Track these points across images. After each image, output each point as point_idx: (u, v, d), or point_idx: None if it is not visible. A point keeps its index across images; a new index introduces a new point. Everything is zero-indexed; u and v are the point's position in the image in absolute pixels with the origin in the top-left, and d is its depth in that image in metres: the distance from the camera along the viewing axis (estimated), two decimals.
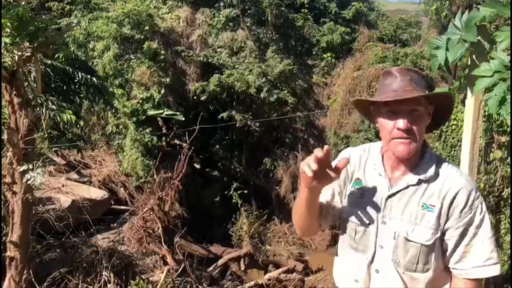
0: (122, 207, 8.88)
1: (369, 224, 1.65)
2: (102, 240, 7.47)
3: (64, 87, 6.07)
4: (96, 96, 6.40)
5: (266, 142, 12.17)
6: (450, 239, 1.59)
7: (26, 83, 4.48)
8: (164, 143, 10.61)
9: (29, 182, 4.26)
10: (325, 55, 13.67)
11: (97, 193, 8.50)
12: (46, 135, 4.72)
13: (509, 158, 4.50)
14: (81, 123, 7.89)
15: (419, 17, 17.09)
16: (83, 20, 10.92)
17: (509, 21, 2.64)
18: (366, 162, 1.72)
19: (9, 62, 4.09)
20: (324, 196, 1.73)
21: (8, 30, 3.89)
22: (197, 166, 11.14)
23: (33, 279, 5.11)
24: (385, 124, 1.57)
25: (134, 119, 10.04)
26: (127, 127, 10.20)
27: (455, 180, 1.59)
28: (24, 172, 4.29)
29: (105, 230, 7.90)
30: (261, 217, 10.42)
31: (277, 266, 9.56)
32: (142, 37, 10.85)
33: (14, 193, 4.46)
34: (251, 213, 10.35)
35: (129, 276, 6.71)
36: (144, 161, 9.68)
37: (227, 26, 12.77)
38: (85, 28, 10.60)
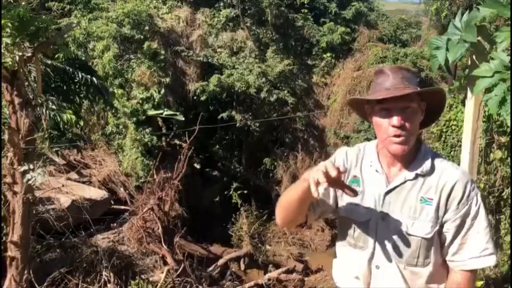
0: (122, 207, 8.86)
1: (368, 220, 1.67)
2: (102, 240, 7.47)
3: (64, 87, 6.06)
4: (96, 96, 6.39)
5: (266, 142, 12.19)
6: (448, 231, 1.62)
7: (26, 83, 4.48)
8: (164, 143, 10.62)
9: (29, 182, 4.26)
10: (325, 55, 13.68)
11: (97, 193, 8.49)
12: (46, 135, 4.72)
13: (509, 158, 4.50)
14: (81, 123, 7.87)
15: (419, 17, 17.11)
16: (83, 20, 10.93)
17: (509, 22, 2.65)
18: (362, 160, 1.74)
19: (10, 62, 4.09)
20: None
21: (8, 30, 3.89)
22: (197, 166, 11.14)
23: (33, 279, 5.11)
24: (379, 122, 1.61)
25: (134, 119, 10.04)
26: (127, 127, 10.20)
27: (451, 173, 1.63)
28: (25, 172, 4.29)
29: (105, 230, 7.89)
30: (261, 217, 10.43)
31: (277, 266, 9.56)
32: (142, 37, 10.86)
33: (15, 193, 4.46)
34: (251, 213, 10.36)
35: (129, 276, 6.71)
36: (144, 161, 9.69)
37: (227, 26, 12.78)
38: (85, 28, 10.61)
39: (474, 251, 1.60)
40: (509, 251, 4.56)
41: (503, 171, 4.57)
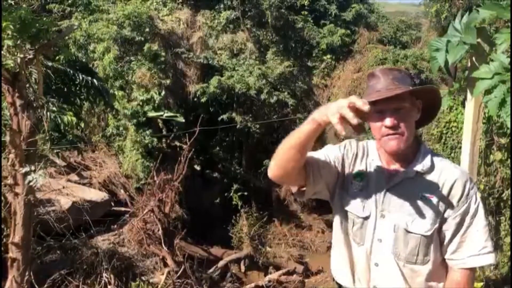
0: (122, 209, 8.87)
1: (368, 217, 1.69)
2: (102, 241, 7.47)
3: (65, 89, 6.08)
4: (96, 98, 6.42)
5: (266, 144, 12.18)
6: (448, 229, 1.63)
7: (27, 85, 4.49)
8: (164, 145, 10.62)
9: (31, 183, 4.27)
10: (325, 57, 13.69)
11: (97, 195, 8.49)
12: (47, 137, 4.73)
13: (509, 160, 4.51)
14: (82, 124, 7.89)
15: (419, 19, 17.15)
16: (83, 22, 10.94)
17: (509, 23, 2.66)
18: (367, 156, 1.76)
19: (12, 64, 4.11)
20: (328, 156, 1.75)
21: (10, 32, 3.91)
22: (197, 167, 11.14)
23: (33, 280, 5.11)
24: (374, 124, 1.63)
25: (134, 120, 10.05)
26: (128, 129, 10.21)
27: (450, 171, 1.65)
28: (26, 174, 4.30)
29: (105, 232, 7.89)
30: (261, 219, 10.43)
31: (277, 268, 9.56)
32: (143, 39, 10.88)
33: (16, 194, 4.47)
34: (251, 215, 10.35)
35: (129, 277, 6.72)
36: (144, 162, 9.69)
37: (227, 28, 12.80)
38: (86, 30, 10.62)
39: (473, 249, 1.61)
40: (509, 253, 4.56)
41: (503, 172, 4.58)
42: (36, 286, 5.27)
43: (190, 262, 7.79)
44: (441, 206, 1.62)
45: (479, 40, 2.58)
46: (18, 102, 4.29)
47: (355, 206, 1.71)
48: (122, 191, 9.62)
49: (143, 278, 6.91)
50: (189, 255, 8.22)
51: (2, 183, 4.74)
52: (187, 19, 12.42)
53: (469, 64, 2.73)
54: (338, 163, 1.75)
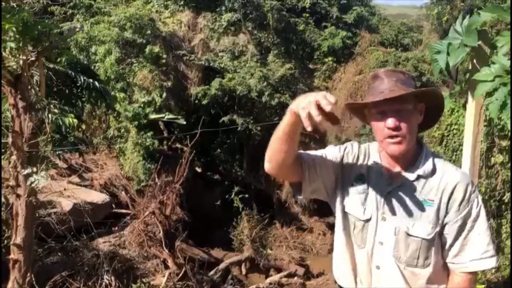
0: (123, 211, 8.88)
1: (369, 220, 1.68)
2: (103, 243, 7.48)
3: (66, 91, 6.10)
4: (98, 100, 6.43)
5: (267, 146, 12.18)
6: (449, 233, 1.63)
7: (29, 87, 4.50)
8: (165, 147, 10.64)
9: (33, 185, 4.28)
10: (326, 59, 13.69)
11: (99, 197, 8.50)
12: (49, 139, 4.74)
13: (510, 162, 4.50)
14: (83, 126, 7.92)
15: (420, 21, 17.13)
16: (85, 24, 10.97)
17: (510, 26, 2.66)
18: (368, 159, 1.76)
19: (14, 67, 4.12)
20: (326, 155, 1.76)
21: (12, 34, 3.93)
22: (198, 170, 11.15)
23: (34, 282, 5.12)
24: (376, 125, 1.63)
25: (136, 122, 10.06)
26: (129, 131, 10.22)
27: (452, 175, 1.64)
28: (28, 175, 4.31)
29: (106, 234, 7.90)
30: (262, 221, 10.42)
31: (278, 270, 9.55)
32: (144, 41, 10.90)
33: (18, 196, 4.48)
34: (252, 217, 10.34)
35: (130, 279, 6.73)
36: (145, 164, 9.70)
37: (229, 31, 12.81)
38: (87, 32, 10.65)
39: (475, 253, 1.61)
40: (510, 256, 4.55)
41: (504, 175, 4.57)
42: (37, 287, 5.27)
43: (191, 264, 7.79)
44: (443, 210, 1.61)
45: (480, 42, 2.59)
46: (20, 104, 4.30)
47: (356, 209, 1.71)
48: (123, 193, 9.62)
49: (144, 280, 6.91)
50: (190, 257, 8.23)
51: (4, 185, 4.76)
52: (189, 22, 12.45)
53: (470, 67, 2.74)
54: (337, 163, 1.75)
